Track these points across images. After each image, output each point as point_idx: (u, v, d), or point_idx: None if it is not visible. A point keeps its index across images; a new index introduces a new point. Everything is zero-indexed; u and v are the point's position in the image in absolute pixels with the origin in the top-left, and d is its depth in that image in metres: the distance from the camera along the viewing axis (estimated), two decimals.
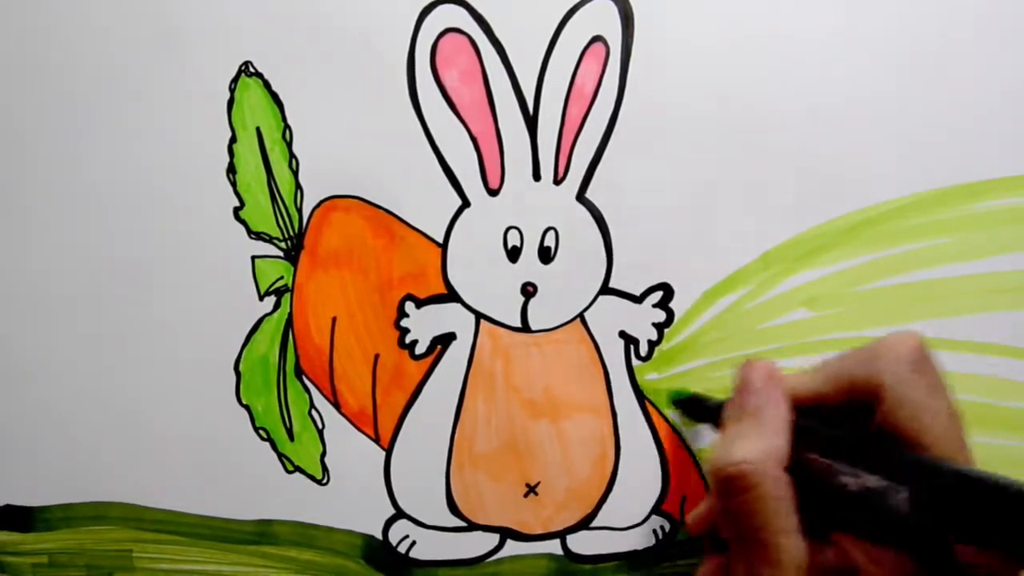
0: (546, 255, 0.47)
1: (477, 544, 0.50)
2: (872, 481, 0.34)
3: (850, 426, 0.37)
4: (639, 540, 0.50)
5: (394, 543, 0.50)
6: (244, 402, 0.49)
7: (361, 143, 0.47)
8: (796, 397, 0.39)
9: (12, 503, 0.51)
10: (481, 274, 0.48)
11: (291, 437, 0.49)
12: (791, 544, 0.34)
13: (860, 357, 0.38)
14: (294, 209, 0.48)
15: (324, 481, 0.49)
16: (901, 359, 0.36)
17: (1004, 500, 0.30)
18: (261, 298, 0.48)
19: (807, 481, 0.36)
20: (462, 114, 0.46)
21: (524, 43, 0.46)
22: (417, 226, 0.48)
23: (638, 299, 0.48)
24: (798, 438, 0.37)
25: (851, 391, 0.37)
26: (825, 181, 0.46)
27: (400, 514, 0.50)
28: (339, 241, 0.48)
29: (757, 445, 0.36)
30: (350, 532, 0.50)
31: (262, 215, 0.48)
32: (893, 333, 0.38)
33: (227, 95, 0.47)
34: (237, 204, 0.48)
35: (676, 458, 0.49)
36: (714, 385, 0.48)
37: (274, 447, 0.49)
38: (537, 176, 0.47)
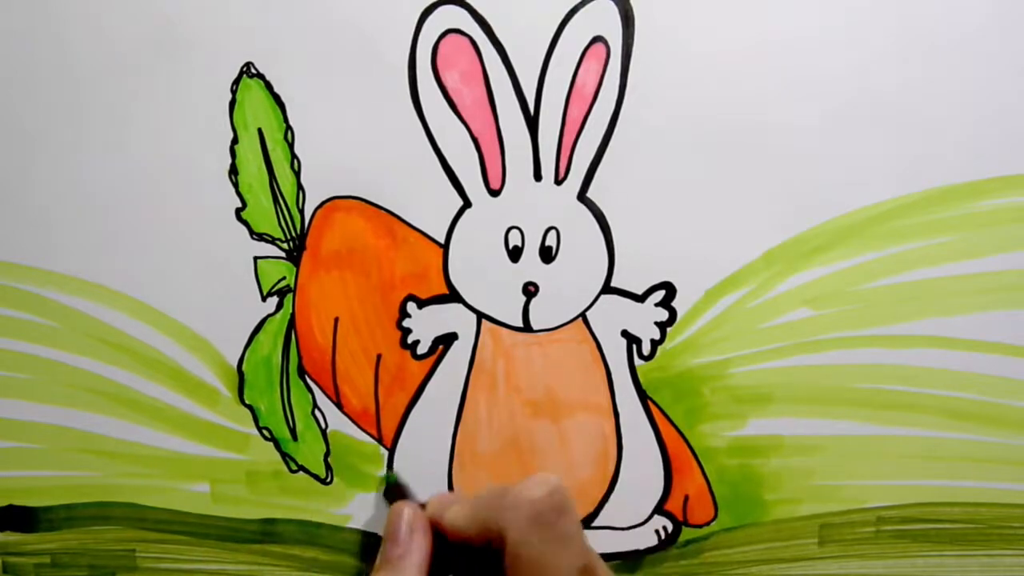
0: (547, 255, 0.47)
1: None
2: None
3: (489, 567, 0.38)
4: (641, 540, 0.50)
5: None
6: (247, 402, 0.49)
7: (363, 144, 0.47)
8: (448, 532, 0.41)
9: (15, 503, 0.51)
10: (482, 274, 0.48)
11: (294, 437, 0.49)
12: None
13: (494, 503, 0.39)
14: (296, 210, 0.48)
15: (327, 480, 0.49)
16: (521, 512, 0.37)
17: None
18: (264, 299, 0.49)
19: None
20: (463, 114, 0.47)
21: (525, 44, 0.46)
22: (418, 226, 0.48)
23: (640, 298, 0.48)
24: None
25: (486, 534, 0.38)
26: (826, 180, 0.46)
27: None
28: (341, 242, 0.48)
29: None
30: (354, 531, 0.50)
31: (264, 216, 0.48)
32: (528, 480, 0.38)
33: (229, 96, 0.47)
34: (239, 205, 0.48)
35: (679, 458, 0.49)
36: (717, 384, 0.48)
37: (278, 447, 0.49)
38: (538, 176, 0.47)
